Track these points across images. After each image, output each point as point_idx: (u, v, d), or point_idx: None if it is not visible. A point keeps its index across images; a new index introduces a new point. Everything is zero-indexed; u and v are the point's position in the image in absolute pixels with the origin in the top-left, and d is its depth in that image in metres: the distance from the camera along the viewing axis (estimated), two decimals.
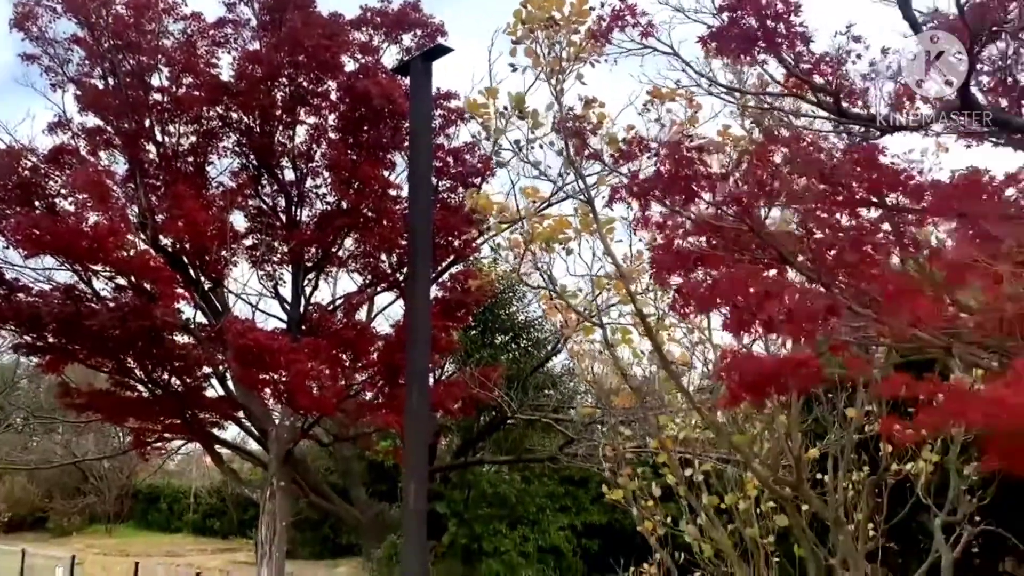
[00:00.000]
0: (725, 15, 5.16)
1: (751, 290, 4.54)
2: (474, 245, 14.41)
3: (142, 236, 13.10)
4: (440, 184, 14.37)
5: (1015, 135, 6.63)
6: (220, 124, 14.20)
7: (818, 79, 5.73)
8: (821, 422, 9.48)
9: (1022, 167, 7.40)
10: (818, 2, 6.83)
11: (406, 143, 12.60)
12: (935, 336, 5.07)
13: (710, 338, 7.89)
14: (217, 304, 14.39)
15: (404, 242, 13.06)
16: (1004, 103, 7.31)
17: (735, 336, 4.75)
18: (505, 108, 7.32)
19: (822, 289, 4.76)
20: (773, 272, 5.12)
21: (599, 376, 9.49)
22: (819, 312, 4.38)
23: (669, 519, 8.78)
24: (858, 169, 6.30)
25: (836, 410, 8.78)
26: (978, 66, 7.46)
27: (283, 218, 14.83)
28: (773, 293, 4.48)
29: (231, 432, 17.21)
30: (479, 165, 13.84)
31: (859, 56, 6.60)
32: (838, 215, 4.72)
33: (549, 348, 17.04)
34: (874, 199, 6.28)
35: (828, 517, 8.33)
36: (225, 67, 14.19)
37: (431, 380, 16.72)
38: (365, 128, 13.48)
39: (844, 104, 6.90)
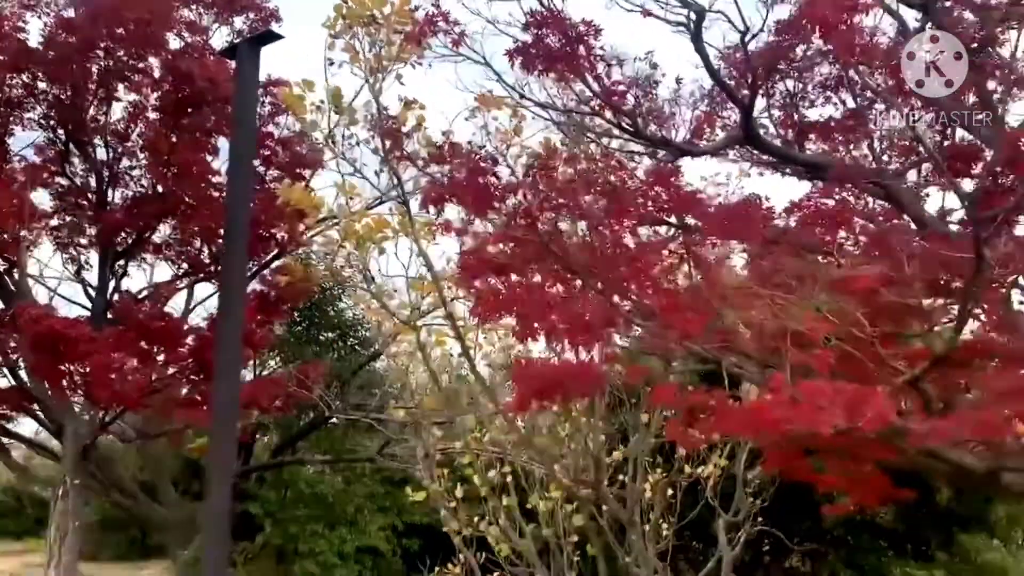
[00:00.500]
0: (531, 32, 5.34)
1: (537, 299, 4.70)
2: (303, 239, 14.05)
3: None
4: (268, 174, 13.94)
5: (798, 166, 7.22)
6: (25, 94, 13.10)
7: (618, 101, 6.00)
8: (627, 427, 9.95)
9: (804, 196, 8.09)
10: (624, 29, 7.17)
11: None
12: (706, 349, 5.44)
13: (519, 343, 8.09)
14: (12, 287, 13.27)
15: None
16: (791, 136, 7.98)
17: (521, 342, 4.91)
18: (322, 102, 7.20)
19: (607, 301, 5.00)
20: (577, 283, 5.34)
21: (411, 377, 9.52)
22: (598, 323, 4.59)
23: (476, 519, 8.96)
24: (658, 189, 6.68)
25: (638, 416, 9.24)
26: (772, 100, 8.11)
27: (93, 199, 13.88)
28: (555, 303, 4.66)
29: (32, 426, 15.90)
30: (310, 157, 13.53)
31: (657, 82, 7.01)
32: (622, 232, 4.97)
33: (375, 347, 16.88)
34: (667, 218, 6.68)
35: (623, 518, 8.74)
36: (35, 33, 13.13)
37: (248, 376, 16.18)
38: (188, 110, 12.86)
39: (652, 127, 7.30)
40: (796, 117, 7.64)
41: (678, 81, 6.36)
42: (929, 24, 5.57)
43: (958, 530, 14.05)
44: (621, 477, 9.74)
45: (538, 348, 7.69)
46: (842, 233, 5.44)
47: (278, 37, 8.59)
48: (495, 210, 4.67)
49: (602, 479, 8.57)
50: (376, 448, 15.98)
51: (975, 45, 5.42)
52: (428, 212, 5.35)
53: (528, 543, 8.51)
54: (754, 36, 5.46)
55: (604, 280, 4.78)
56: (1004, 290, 6.72)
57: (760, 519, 10.29)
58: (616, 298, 5.05)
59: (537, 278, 6.42)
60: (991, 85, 7.31)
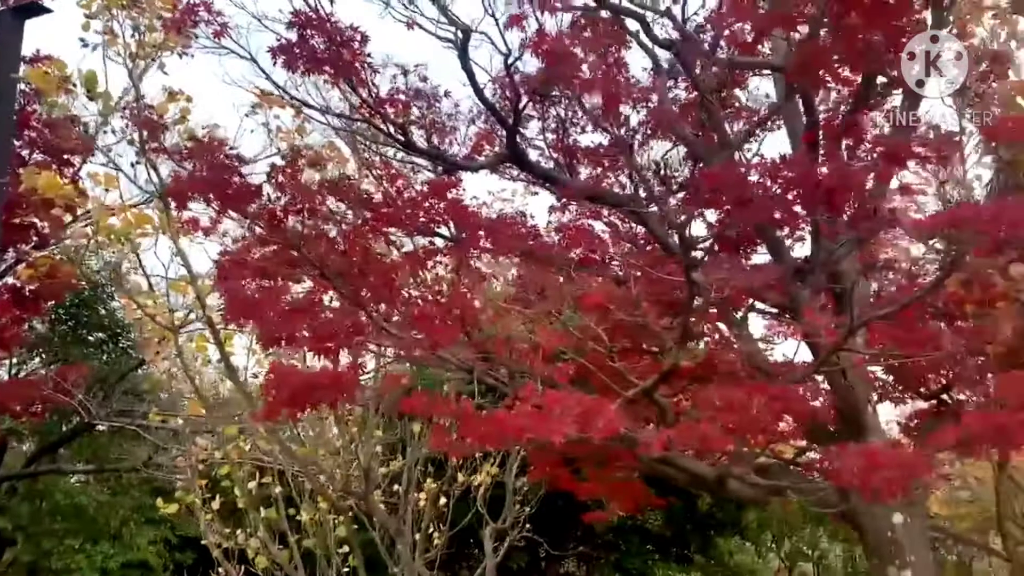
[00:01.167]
0: (296, 31, 5.23)
1: (280, 305, 4.60)
2: (67, 233, 12.93)
3: None
4: (32, 157, 12.75)
5: (562, 187, 7.49)
6: None
7: (388, 110, 6.00)
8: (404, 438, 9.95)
9: (574, 218, 8.45)
10: (414, 40, 7.22)
11: None
12: (460, 360, 5.55)
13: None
14: None
15: None
16: (562, 160, 8.34)
17: (264, 349, 4.78)
18: (74, 85, 6.71)
19: (358, 309, 4.97)
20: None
21: (174, 383, 9.02)
22: (343, 330, 4.55)
23: (237, 532, 8.62)
24: (433, 200, 6.74)
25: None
26: (546, 124, 8.43)
27: None
28: (300, 309, 4.57)
29: None
30: (78, 143, 12.51)
31: (439, 96, 7.10)
32: (376, 240, 4.98)
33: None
34: (436, 228, 6.76)
35: (391, 528, 8.72)
36: None
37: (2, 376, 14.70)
38: None
39: (429, 139, 7.36)
40: (568, 141, 8.00)
41: (446, 95, 6.47)
42: (678, 64, 6.03)
43: (715, 534, 15.24)
44: (397, 487, 9.74)
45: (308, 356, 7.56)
46: (578, 251, 5.76)
47: (45, 11, 7.93)
48: (241, 210, 4.53)
49: (371, 489, 8.51)
50: (144, 457, 14.98)
51: (716, 88, 5.92)
52: (174, 208, 5.10)
53: (291, 554, 8.29)
54: (517, 59, 5.65)
55: (355, 288, 4.75)
56: (740, 312, 7.40)
57: (529, 526, 10.63)
58: (373, 306, 5.04)
59: (302, 284, 6.30)
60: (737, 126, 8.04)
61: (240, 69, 7.02)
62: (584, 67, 7.49)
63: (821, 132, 5.31)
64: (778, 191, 3.38)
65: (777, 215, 3.78)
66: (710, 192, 3.58)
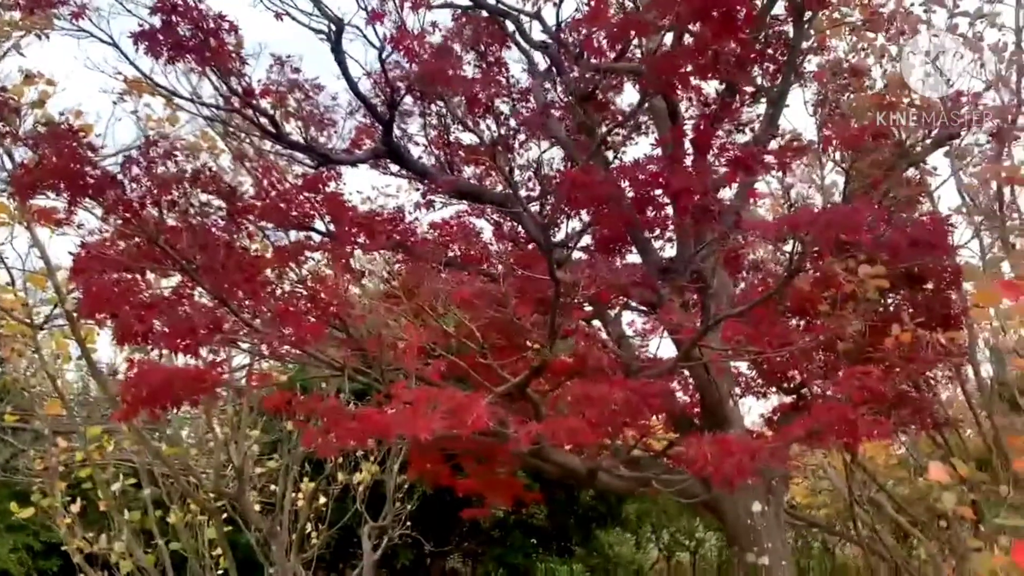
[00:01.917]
0: (160, 17, 5.05)
1: (136, 299, 4.44)
2: None
3: None
4: None
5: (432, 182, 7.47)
6: None
7: (259, 101, 5.87)
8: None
9: (456, 215, 8.47)
10: (282, 32, 7.08)
11: None
12: (326, 357, 5.49)
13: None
14: None
15: None
16: (443, 156, 8.36)
17: (119, 345, 4.60)
18: None
19: (219, 305, 4.85)
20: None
21: (32, 381, 8.56)
22: (200, 326, 4.43)
23: (101, 536, 8.27)
24: (308, 194, 6.63)
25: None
26: (429, 120, 8.43)
27: None
28: (157, 304, 4.43)
29: None
30: None
31: (318, 87, 6.99)
32: (238, 233, 4.87)
33: None
34: (310, 223, 6.66)
35: (264, 528, 8.54)
36: None
37: None
38: None
39: (301, 132, 7.24)
40: (449, 139, 8.02)
41: (318, 88, 6.38)
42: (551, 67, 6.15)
43: (596, 527, 15.59)
44: (274, 487, 9.55)
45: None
46: (458, 248, 5.80)
47: None
48: (96, 201, 4.34)
49: (245, 490, 8.32)
50: (2, 460, 14.11)
51: (589, 92, 6.05)
52: (18, 199, 4.85)
53: (157, 557, 8.02)
54: (390, 54, 5.62)
55: (217, 283, 4.63)
56: (614, 309, 7.61)
57: (410, 524, 10.61)
58: (237, 302, 4.92)
59: (169, 279, 6.08)
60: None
61: (105, 54, 6.72)
62: (464, 66, 7.55)
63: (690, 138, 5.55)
64: (631, 193, 3.51)
65: (631, 216, 3.91)
66: (570, 194, 3.68)
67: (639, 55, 6.62)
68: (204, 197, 4.65)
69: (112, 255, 4.94)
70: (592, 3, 4.85)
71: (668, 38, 5.04)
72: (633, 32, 4.39)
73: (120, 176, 4.20)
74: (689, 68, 3.68)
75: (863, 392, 4.88)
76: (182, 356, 5.18)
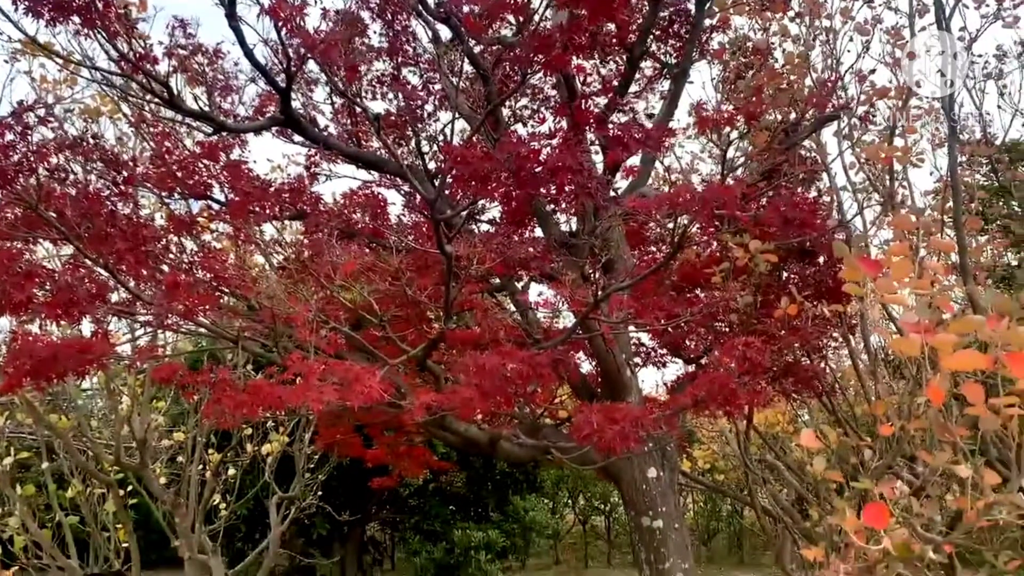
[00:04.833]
0: None
1: (13, 268, 4.32)
2: None
3: None
4: None
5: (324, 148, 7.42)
6: None
7: (154, 68, 5.70)
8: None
9: (363, 185, 8.39)
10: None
11: None
12: (216, 328, 5.44)
13: None
14: None
15: None
16: (349, 126, 8.29)
17: (0, 315, 4.48)
18: None
19: (104, 274, 4.76)
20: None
21: None
22: (82, 296, 4.35)
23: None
24: (206, 162, 6.51)
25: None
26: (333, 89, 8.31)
27: None
28: (34, 273, 4.32)
29: None
30: None
31: (218, 53, 6.83)
32: (124, 201, 4.77)
33: None
34: (209, 192, 6.55)
35: (168, 500, 8.45)
36: None
37: None
38: None
39: (216, 99, 7.08)
40: (354, 109, 7.95)
41: (217, 54, 6.24)
42: (454, 39, 6.14)
43: (512, 493, 15.84)
44: (180, 459, 9.43)
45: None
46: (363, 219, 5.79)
47: None
48: None
49: (147, 462, 8.20)
50: None
51: (491, 64, 6.07)
52: None
53: (53, 532, 7.86)
54: (290, 21, 5.51)
55: (100, 252, 4.54)
56: (521, 281, 7.72)
57: (321, 494, 10.63)
58: (124, 272, 4.83)
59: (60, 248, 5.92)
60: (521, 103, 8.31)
61: None
62: (370, 34, 7.48)
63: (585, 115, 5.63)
64: (514, 169, 3.57)
65: (521, 193, 3.99)
66: (454, 167, 3.73)
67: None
68: (98, 165, 4.53)
69: None
70: None
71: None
72: (503, 10, 4.42)
73: None
74: (564, 47, 3.75)
75: (744, 362, 5.09)
76: (64, 326, 5.07)
